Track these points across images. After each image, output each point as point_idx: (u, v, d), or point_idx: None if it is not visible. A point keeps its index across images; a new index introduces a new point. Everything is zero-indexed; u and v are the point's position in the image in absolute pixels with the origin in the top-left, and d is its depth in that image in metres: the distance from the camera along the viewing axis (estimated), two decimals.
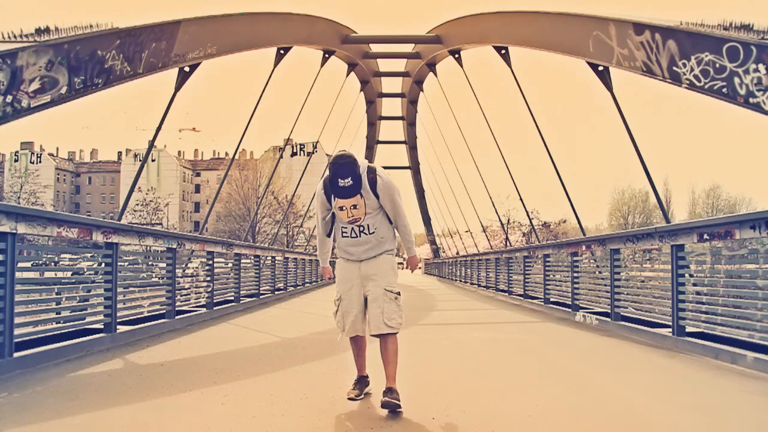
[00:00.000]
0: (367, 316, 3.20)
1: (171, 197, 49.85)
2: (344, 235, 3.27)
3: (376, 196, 3.18)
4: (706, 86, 6.17)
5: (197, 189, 78.79)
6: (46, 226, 4.30)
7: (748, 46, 5.69)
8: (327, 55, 14.79)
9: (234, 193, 44.83)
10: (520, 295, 10.81)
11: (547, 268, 9.35)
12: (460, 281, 19.86)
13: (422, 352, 4.94)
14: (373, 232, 3.21)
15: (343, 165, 3.03)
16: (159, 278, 6.56)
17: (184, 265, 7.78)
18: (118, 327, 5.22)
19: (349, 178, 3.03)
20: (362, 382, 3.35)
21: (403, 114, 26.76)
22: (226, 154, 74.69)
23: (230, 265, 8.99)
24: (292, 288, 13.59)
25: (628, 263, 7.08)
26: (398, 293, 3.17)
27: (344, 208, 3.19)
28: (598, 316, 7.01)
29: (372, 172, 3.18)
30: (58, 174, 76.59)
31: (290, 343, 5.67)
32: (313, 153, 32.06)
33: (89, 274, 5.33)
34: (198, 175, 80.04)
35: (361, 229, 3.22)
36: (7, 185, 46.59)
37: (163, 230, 8.40)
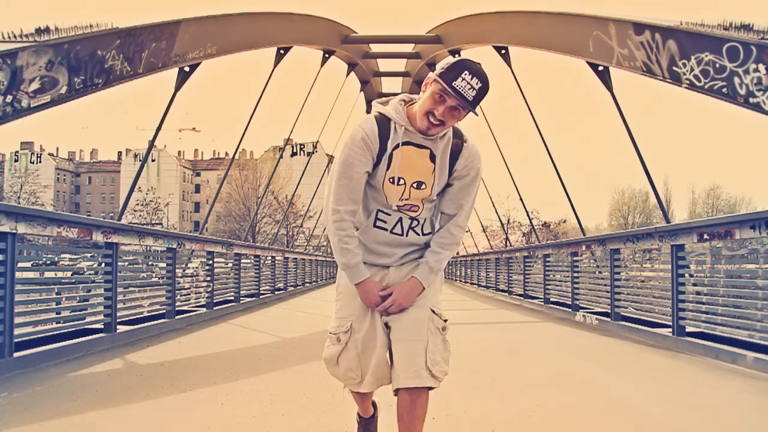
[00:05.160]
0: (393, 357, 1.96)
1: (171, 197, 49.98)
2: (380, 224, 2.04)
3: (450, 173, 2.02)
4: (706, 86, 6.17)
5: (197, 189, 78.79)
6: (46, 226, 4.30)
7: (748, 46, 5.69)
8: (327, 55, 14.78)
9: (234, 193, 44.89)
10: (520, 295, 10.81)
11: (547, 268, 9.35)
12: (460, 281, 19.86)
13: None
14: (428, 233, 2.07)
15: (477, 65, 1.86)
16: (159, 278, 6.56)
17: (184, 265, 7.78)
18: (118, 327, 5.22)
19: (481, 83, 1.84)
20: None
21: None
22: (226, 154, 74.73)
23: (230, 265, 8.99)
24: (292, 288, 13.59)
25: (628, 263, 7.08)
26: (446, 321, 2.02)
27: (403, 181, 1.98)
28: (598, 316, 7.02)
29: (459, 135, 2.03)
30: (58, 174, 76.59)
31: (290, 343, 5.67)
32: (313, 153, 32.04)
33: (89, 274, 5.33)
34: (198, 175, 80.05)
35: (414, 224, 2.04)
36: (7, 185, 46.62)
37: (163, 230, 8.40)
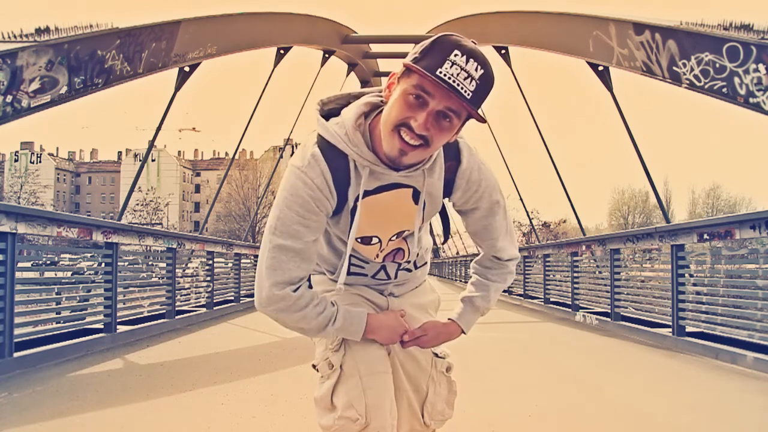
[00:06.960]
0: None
1: (171, 197, 50.00)
2: (356, 270, 1.52)
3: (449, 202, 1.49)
4: (706, 86, 6.17)
5: (197, 189, 78.83)
6: (46, 226, 4.30)
7: (748, 46, 5.69)
8: (327, 55, 14.79)
9: (234, 193, 44.96)
10: (520, 295, 10.81)
11: (547, 268, 9.36)
12: (460, 281, 19.86)
13: None
14: (424, 264, 1.64)
15: (471, 43, 1.19)
16: (159, 278, 6.56)
17: (184, 265, 7.78)
18: (118, 327, 5.22)
19: (483, 69, 1.17)
20: None
21: None
22: (226, 154, 74.74)
23: (230, 265, 9.00)
24: None
25: (628, 263, 7.08)
26: (447, 358, 1.63)
27: (377, 239, 1.45)
28: (598, 316, 7.02)
29: (453, 154, 1.39)
30: (58, 174, 76.61)
31: (290, 343, 5.67)
32: None
33: (89, 274, 5.33)
34: (198, 175, 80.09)
35: (404, 266, 1.55)
36: (7, 185, 46.66)
37: (163, 230, 8.40)
